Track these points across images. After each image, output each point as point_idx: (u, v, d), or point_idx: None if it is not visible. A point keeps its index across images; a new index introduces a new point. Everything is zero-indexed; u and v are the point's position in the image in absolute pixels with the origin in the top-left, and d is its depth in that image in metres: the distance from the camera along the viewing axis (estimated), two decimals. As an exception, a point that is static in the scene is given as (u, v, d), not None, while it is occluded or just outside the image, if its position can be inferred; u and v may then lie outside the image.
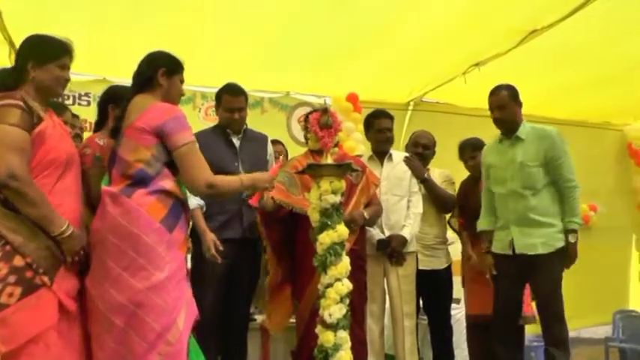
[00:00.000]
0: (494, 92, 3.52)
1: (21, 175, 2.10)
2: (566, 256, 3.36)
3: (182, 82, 2.63)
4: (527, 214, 3.38)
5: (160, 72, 2.51)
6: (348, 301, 2.71)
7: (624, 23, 4.54)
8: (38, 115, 2.25)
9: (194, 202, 3.20)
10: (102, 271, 2.24)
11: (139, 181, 2.33)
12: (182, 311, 2.27)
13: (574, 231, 3.36)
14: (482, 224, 3.64)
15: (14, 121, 2.14)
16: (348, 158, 3.42)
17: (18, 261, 2.10)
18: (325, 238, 2.67)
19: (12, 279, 2.07)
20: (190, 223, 2.80)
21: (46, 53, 2.35)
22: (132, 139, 2.37)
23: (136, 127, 2.36)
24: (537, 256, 3.34)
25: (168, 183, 2.36)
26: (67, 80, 2.44)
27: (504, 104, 3.46)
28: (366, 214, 3.41)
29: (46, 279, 2.14)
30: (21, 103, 2.19)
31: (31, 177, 2.15)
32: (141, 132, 2.35)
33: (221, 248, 3.19)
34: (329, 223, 2.68)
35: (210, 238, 3.21)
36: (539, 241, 3.36)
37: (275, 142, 4.49)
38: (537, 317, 3.53)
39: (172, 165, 2.41)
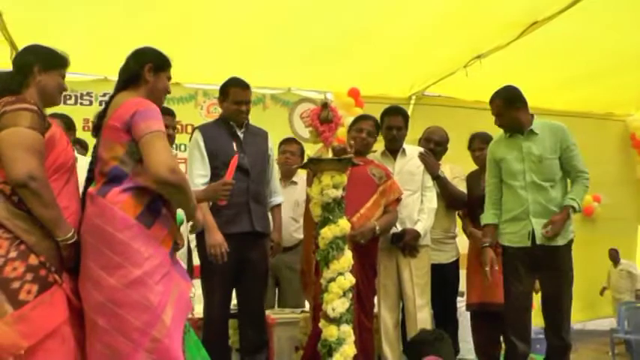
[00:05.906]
0: (491, 100, 3.52)
1: (39, 176, 2.13)
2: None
3: (169, 79, 2.56)
4: (547, 206, 3.39)
5: (146, 67, 2.46)
6: (351, 295, 2.70)
7: (625, 14, 4.54)
8: (48, 120, 2.27)
9: None
10: (85, 273, 2.25)
11: (114, 178, 2.30)
12: (168, 306, 2.23)
13: (572, 207, 3.37)
14: (488, 218, 3.58)
15: (30, 124, 2.16)
16: (372, 165, 3.49)
17: (32, 260, 2.13)
18: (327, 233, 2.66)
19: (29, 277, 2.11)
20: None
21: (51, 60, 2.38)
22: (107, 136, 2.34)
23: (110, 125, 2.33)
24: (557, 247, 3.36)
25: (144, 179, 2.30)
26: (65, 90, 2.48)
27: (500, 112, 3.48)
28: (377, 228, 3.35)
29: (57, 277, 2.18)
30: (35, 107, 2.21)
31: (47, 179, 2.18)
32: (113, 129, 2.32)
33: (228, 250, 3.15)
34: (331, 217, 2.67)
35: (219, 237, 3.15)
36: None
37: (292, 140, 4.52)
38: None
39: None
